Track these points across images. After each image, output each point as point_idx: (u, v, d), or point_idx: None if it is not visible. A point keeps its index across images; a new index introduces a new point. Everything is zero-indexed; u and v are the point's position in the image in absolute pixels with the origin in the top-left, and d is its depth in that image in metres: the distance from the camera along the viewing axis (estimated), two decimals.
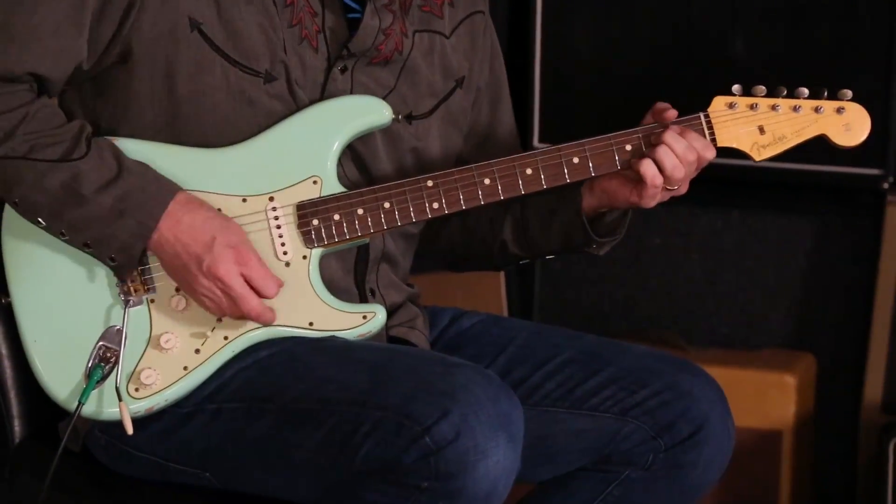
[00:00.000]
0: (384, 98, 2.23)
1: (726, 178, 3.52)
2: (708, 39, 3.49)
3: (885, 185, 3.44)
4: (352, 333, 2.18)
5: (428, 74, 2.30)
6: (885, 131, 3.38)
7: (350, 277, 2.27)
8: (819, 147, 3.40)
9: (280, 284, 2.16)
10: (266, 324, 2.16)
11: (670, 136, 2.20)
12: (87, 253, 2.15)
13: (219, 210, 2.17)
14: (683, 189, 2.26)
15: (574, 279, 3.75)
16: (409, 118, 2.29)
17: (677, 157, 2.20)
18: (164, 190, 2.13)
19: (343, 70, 2.23)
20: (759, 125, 2.25)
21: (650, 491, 2.26)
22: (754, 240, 3.62)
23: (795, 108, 2.25)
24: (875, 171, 3.43)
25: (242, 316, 2.15)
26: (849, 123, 2.25)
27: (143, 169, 2.15)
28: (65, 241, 2.15)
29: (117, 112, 2.19)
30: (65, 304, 2.19)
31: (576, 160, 2.22)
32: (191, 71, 2.15)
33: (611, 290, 3.73)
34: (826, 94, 2.25)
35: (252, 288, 2.14)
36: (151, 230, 2.12)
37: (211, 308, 2.15)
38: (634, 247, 3.69)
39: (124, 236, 2.12)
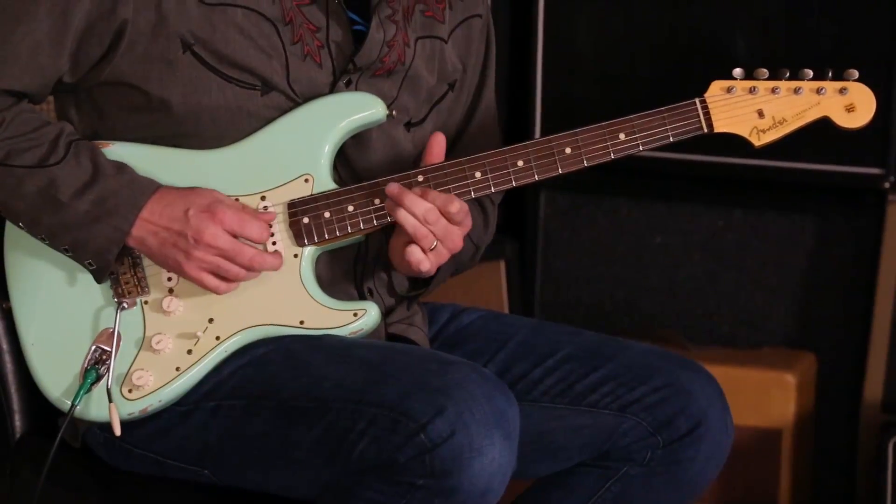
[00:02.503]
0: (389, 109, 2.22)
1: (728, 177, 3.54)
2: (709, 35, 3.50)
3: (886, 185, 3.44)
4: (343, 331, 2.18)
5: (429, 81, 2.30)
6: (886, 130, 3.38)
7: (350, 277, 2.27)
8: (821, 146, 3.42)
9: (268, 219, 2.15)
10: (271, 268, 2.15)
11: (409, 199, 2.14)
12: (68, 257, 2.16)
13: None
14: (455, 245, 2.18)
15: (575, 278, 3.75)
16: (409, 126, 2.29)
17: (421, 223, 2.14)
18: (138, 192, 2.14)
19: (348, 83, 2.22)
20: (758, 109, 2.19)
21: (648, 487, 2.26)
22: (755, 239, 3.62)
23: (796, 91, 2.19)
24: (876, 171, 3.44)
25: (248, 273, 2.13)
26: (852, 104, 2.18)
27: (120, 171, 2.15)
28: (47, 245, 2.16)
29: (116, 126, 2.20)
30: (62, 307, 2.20)
31: (568, 150, 2.21)
32: (186, 91, 2.15)
33: (612, 289, 3.73)
34: (831, 74, 2.19)
35: (241, 242, 2.13)
36: (126, 234, 2.13)
37: (213, 284, 2.14)
38: (636, 245, 3.69)
39: (99, 241, 2.12)
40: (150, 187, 2.15)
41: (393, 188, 2.15)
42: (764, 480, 3.47)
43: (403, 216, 2.14)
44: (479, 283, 3.59)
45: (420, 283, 2.31)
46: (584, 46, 3.60)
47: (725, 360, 3.46)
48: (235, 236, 2.14)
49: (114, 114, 2.20)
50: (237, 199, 2.18)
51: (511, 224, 3.73)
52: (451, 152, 2.31)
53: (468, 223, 2.20)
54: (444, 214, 2.15)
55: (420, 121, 2.30)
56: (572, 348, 2.30)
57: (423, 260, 2.16)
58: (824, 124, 2.21)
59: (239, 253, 2.13)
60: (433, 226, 2.15)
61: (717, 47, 3.48)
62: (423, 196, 2.15)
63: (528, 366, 2.30)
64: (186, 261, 2.14)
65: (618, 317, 3.72)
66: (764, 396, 3.44)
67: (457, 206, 2.15)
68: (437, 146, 2.20)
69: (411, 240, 2.15)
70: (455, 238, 2.18)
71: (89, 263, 2.15)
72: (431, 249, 2.16)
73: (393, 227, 2.23)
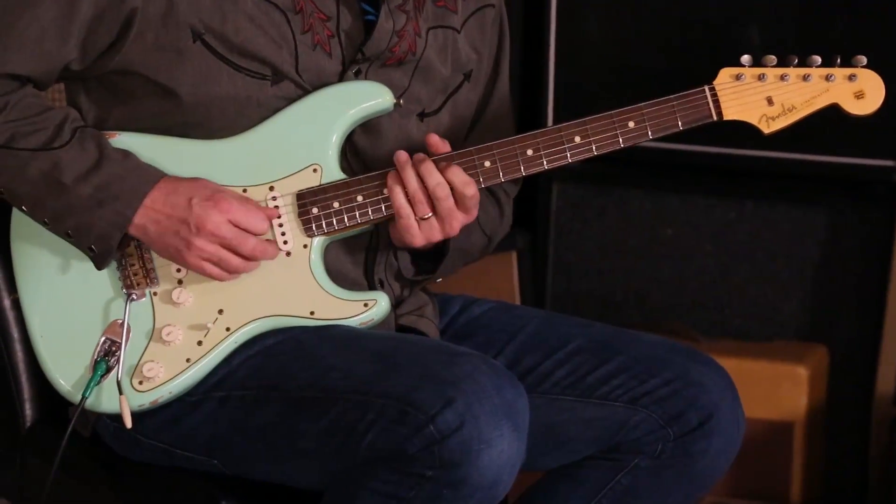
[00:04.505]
0: (398, 98, 2.23)
1: (740, 169, 3.54)
2: (720, 25, 3.49)
3: None
4: (353, 322, 2.18)
5: (442, 71, 2.30)
6: None
7: (359, 268, 2.27)
8: (833, 138, 3.41)
9: (272, 216, 2.16)
10: (270, 257, 2.15)
11: (426, 167, 2.15)
12: (69, 242, 2.16)
13: None
14: (451, 228, 2.18)
15: (587, 270, 3.75)
16: (422, 116, 2.29)
17: (426, 186, 2.14)
18: (143, 179, 2.14)
19: (357, 73, 2.22)
20: (767, 96, 2.19)
21: (659, 480, 2.26)
22: (767, 231, 3.62)
23: (805, 77, 2.18)
24: (888, 163, 3.43)
25: (248, 263, 2.14)
26: (861, 91, 2.18)
27: (125, 157, 2.15)
28: (49, 229, 2.16)
29: (125, 114, 2.20)
30: (71, 299, 2.20)
31: (577, 139, 2.20)
32: (196, 80, 2.15)
33: (623, 282, 3.72)
34: (839, 61, 2.19)
35: (243, 231, 2.14)
36: (129, 220, 2.13)
37: (215, 273, 2.15)
38: (647, 238, 3.69)
39: (102, 225, 2.13)
40: (154, 175, 2.15)
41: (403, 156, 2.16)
42: (775, 473, 3.46)
43: (396, 192, 2.14)
44: (491, 275, 3.59)
45: (426, 268, 2.30)
46: (596, 36, 3.60)
47: (737, 352, 3.45)
48: (238, 227, 2.14)
49: (122, 102, 2.20)
50: (245, 190, 2.18)
51: (523, 215, 3.71)
52: (465, 142, 2.31)
53: (473, 214, 2.19)
54: (458, 196, 2.15)
55: (435, 111, 2.30)
56: (583, 340, 2.30)
57: (412, 227, 2.15)
58: (834, 112, 2.20)
59: (241, 243, 2.13)
60: (442, 202, 2.14)
61: (728, 37, 3.47)
62: (444, 170, 2.15)
63: (538, 358, 2.30)
64: (187, 249, 2.14)
65: (629, 309, 3.72)
66: (775, 389, 3.43)
67: (472, 191, 2.16)
68: (434, 145, 2.20)
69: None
70: (454, 223, 2.17)
71: (91, 248, 2.15)
72: (424, 219, 2.16)
73: None
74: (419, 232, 2.17)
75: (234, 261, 2.14)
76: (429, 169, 2.15)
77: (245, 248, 2.14)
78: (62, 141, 2.14)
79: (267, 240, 2.17)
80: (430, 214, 2.16)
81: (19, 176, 2.14)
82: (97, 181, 2.13)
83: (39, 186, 2.13)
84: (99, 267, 2.17)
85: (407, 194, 2.15)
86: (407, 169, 2.15)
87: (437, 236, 2.19)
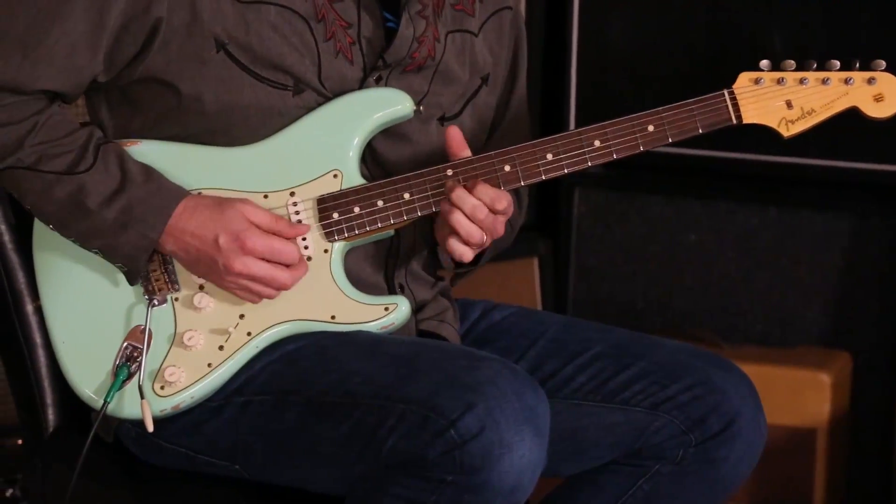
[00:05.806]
0: (418, 104, 2.23)
1: (763, 175, 3.53)
2: (745, 33, 3.49)
3: None
4: (374, 326, 2.18)
5: (461, 75, 2.30)
6: None
7: (380, 273, 2.28)
8: (856, 144, 3.40)
9: (300, 233, 2.16)
10: (301, 275, 2.16)
11: (457, 194, 2.15)
12: (100, 257, 2.17)
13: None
14: (499, 231, 2.21)
15: (609, 275, 3.75)
16: (442, 120, 2.29)
17: (469, 218, 2.16)
18: (166, 199, 2.14)
19: (378, 80, 2.23)
20: (786, 100, 2.19)
21: (680, 486, 2.25)
22: (790, 237, 3.61)
23: (824, 81, 2.19)
24: None
25: (279, 291, 2.16)
26: (881, 94, 2.19)
27: (148, 178, 2.16)
28: (78, 246, 2.17)
29: (147, 123, 2.20)
30: (92, 305, 2.20)
31: (597, 143, 2.20)
32: (219, 90, 2.16)
33: (646, 287, 3.72)
34: (858, 65, 2.20)
35: (275, 266, 2.14)
36: (154, 242, 2.14)
37: (248, 298, 2.16)
38: (670, 243, 3.68)
39: (127, 248, 2.14)
40: (178, 195, 2.15)
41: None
42: (798, 480, 3.45)
43: (457, 219, 2.15)
44: (513, 280, 3.59)
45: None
46: (618, 41, 3.60)
47: (759, 358, 3.44)
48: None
49: (145, 111, 2.20)
50: (266, 196, 2.19)
51: (545, 221, 3.73)
52: (485, 146, 2.31)
53: (510, 210, 2.21)
54: (492, 211, 2.16)
55: (455, 115, 2.30)
56: (604, 346, 2.30)
57: (465, 252, 2.17)
58: (856, 117, 2.20)
59: (272, 280, 2.14)
60: (481, 222, 2.15)
61: (751, 42, 3.47)
62: (471, 189, 2.15)
63: (559, 363, 2.30)
64: (220, 282, 2.16)
65: (651, 315, 3.71)
66: (798, 396, 3.42)
67: (504, 204, 2.17)
68: (454, 139, 2.20)
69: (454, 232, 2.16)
70: (499, 227, 2.19)
71: (121, 266, 2.16)
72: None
73: (424, 221, 2.24)
74: (473, 253, 2.18)
75: (265, 291, 2.16)
76: (459, 196, 2.15)
77: (275, 283, 2.15)
78: (87, 164, 2.14)
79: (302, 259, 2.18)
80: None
81: (45, 197, 2.14)
82: (120, 205, 2.13)
83: (65, 208, 2.14)
84: (132, 282, 2.18)
85: (459, 233, 2.16)
86: (453, 214, 2.15)
87: (487, 244, 2.19)
